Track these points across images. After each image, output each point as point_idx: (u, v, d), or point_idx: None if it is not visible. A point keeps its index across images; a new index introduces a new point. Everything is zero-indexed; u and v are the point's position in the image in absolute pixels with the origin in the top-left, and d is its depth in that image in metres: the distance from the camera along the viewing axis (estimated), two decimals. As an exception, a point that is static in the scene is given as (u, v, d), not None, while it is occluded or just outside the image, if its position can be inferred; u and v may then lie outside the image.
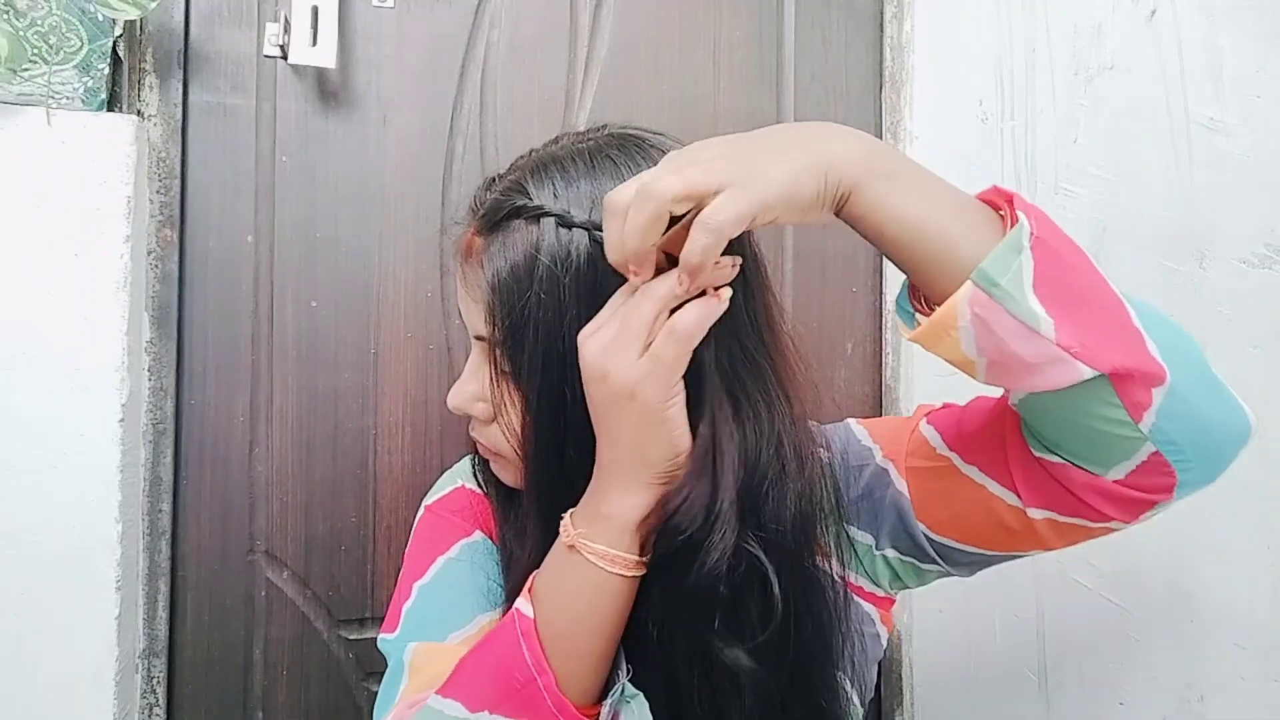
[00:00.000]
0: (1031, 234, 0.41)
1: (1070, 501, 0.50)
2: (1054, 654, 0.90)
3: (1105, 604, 0.83)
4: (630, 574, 0.50)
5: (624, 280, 0.47)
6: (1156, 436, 0.44)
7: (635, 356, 0.46)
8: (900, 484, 0.59)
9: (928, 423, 0.60)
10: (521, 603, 0.51)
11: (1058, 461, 0.49)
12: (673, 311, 0.46)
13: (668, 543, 0.49)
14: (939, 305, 0.44)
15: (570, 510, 0.52)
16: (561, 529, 0.51)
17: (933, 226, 0.44)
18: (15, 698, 0.82)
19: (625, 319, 0.46)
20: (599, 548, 0.49)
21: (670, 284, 0.45)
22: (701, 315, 0.46)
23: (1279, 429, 0.67)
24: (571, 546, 0.50)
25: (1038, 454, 0.50)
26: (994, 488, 0.54)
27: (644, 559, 0.50)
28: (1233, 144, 0.74)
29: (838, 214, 0.45)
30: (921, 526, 0.58)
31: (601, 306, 0.49)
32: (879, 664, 0.66)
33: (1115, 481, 0.48)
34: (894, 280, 1.08)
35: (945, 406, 0.60)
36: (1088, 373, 0.42)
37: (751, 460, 0.50)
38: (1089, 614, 0.85)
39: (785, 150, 0.44)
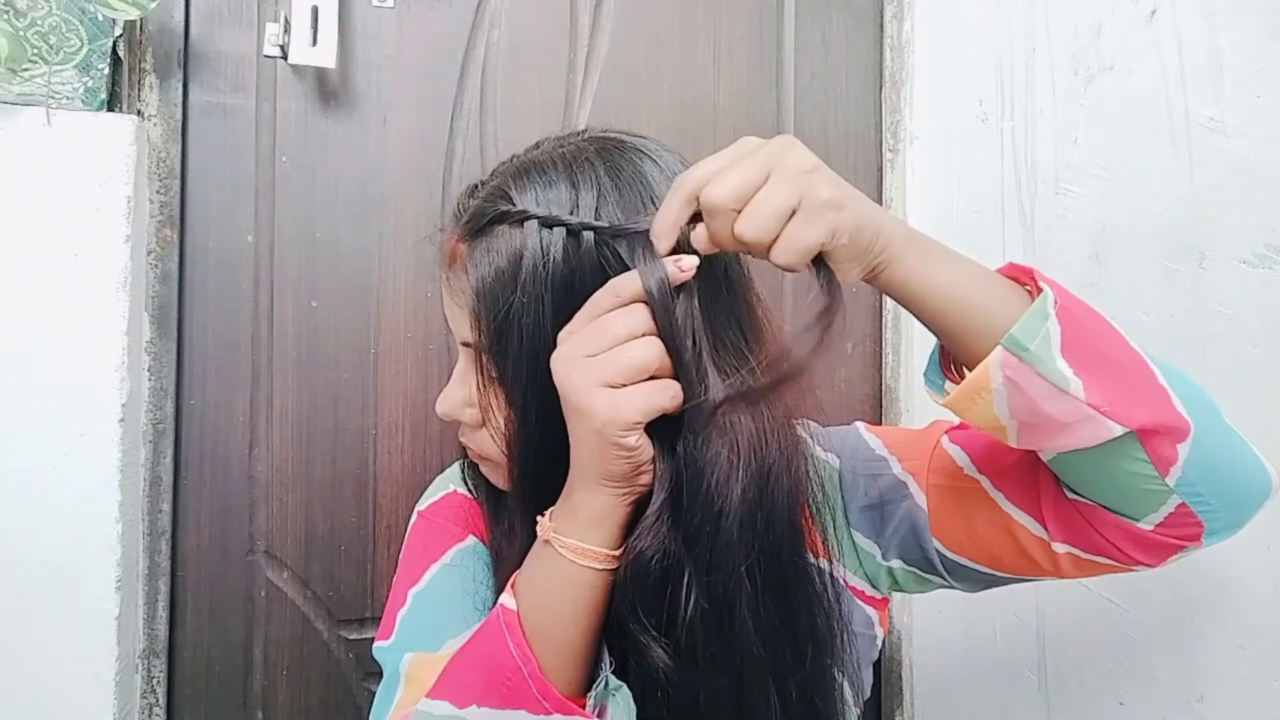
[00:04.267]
0: (1056, 302, 0.44)
1: (1099, 542, 0.51)
2: (1054, 654, 0.90)
3: (1105, 604, 0.83)
4: (602, 567, 0.50)
5: (599, 283, 0.48)
6: (1183, 490, 0.46)
7: (600, 383, 0.46)
8: (920, 499, 0.59)
9: (951, 441, 0.60)
10: (505, 597, 0.52)
11: (1091, 505, 0.50)
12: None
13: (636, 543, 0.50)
14: (970, 366, 0.46)
15: (550, 509, 0.52)
16: (539, 525, 0.52)
17: (967, 295, 0.47)
18: (15, 698, 0.82)
19: (615, 355, 0.46)
20: (571, 542, 0.50)
21: (657, 346, 0.47)
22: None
23: (1279, 429, 0.67)
24: (547, 541, 0.51)
25: (1071, 496, 0.51)
26: (1020, 516, 0.54)
27: (616, 552, 0.51)
28: (1233, 144, 0.74)
29: (873, 281, 0.48)
30: (936, 543, 0.58)
31: (578, 308, 0.49)
32: (877, 665, 0.67)
33: (1146, 530, 0.49)
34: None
35: (966, 425, 0.60)
36: (1117, 430, 0.44)
37: (735, 461, 0.50)
38: (1089, 614, 0.85)
39: (852, 194, 0.46)
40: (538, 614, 0.50)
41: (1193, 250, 0.76)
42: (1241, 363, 0.71)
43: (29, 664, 0.82)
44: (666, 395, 0.48)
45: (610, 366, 0.46)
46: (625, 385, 0.46)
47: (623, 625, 0.51)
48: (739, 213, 0.44)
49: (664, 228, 0.47)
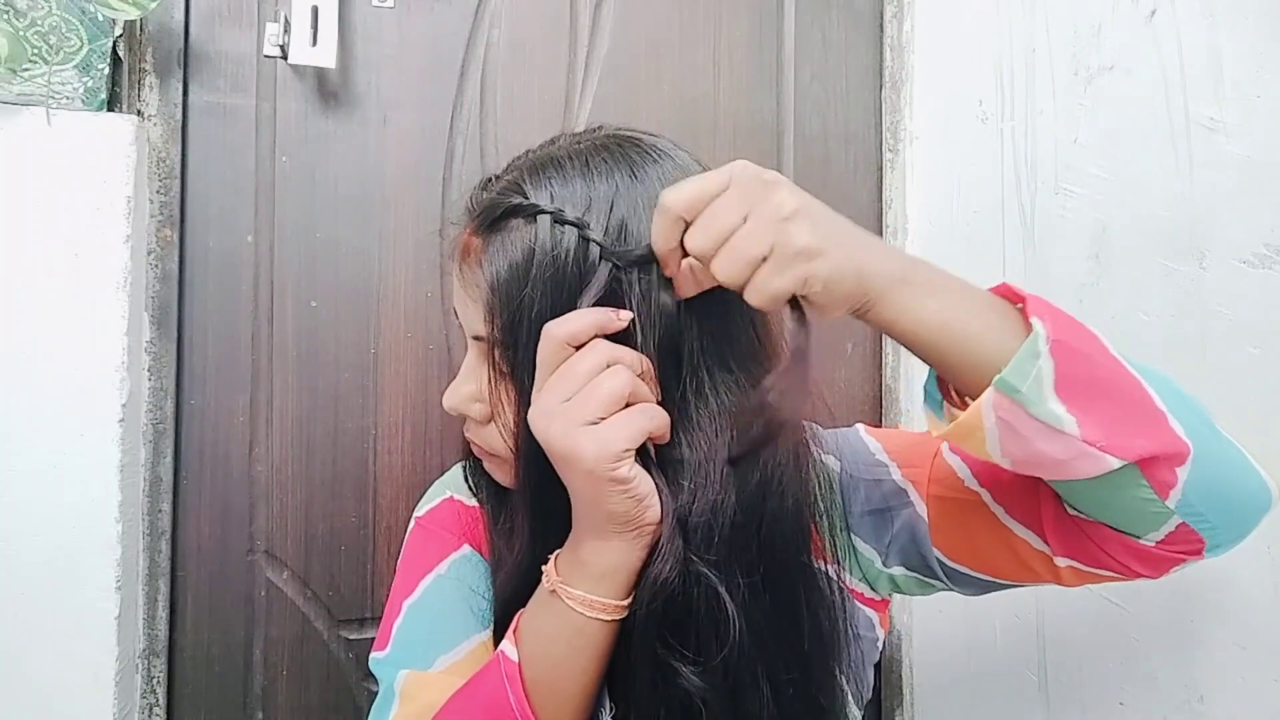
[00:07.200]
0: (1048, 338, 0.42)
1: (1102, 557, 0.50)
2: (1054, 654, 0.89)
3: (1105, 604, 0.83)
4: (609, 618, 0.50)
5: (603, 283, 0.48)
6: (1183, 511, 0.46)
7: (581, 424, 0.46)
8: (920, 507, 0.59)
9: (952, 450, 0.59)
10: (507, 645, 0.52)
11: (1093, 522, 0.50)
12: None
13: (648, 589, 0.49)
14: (967, 394, 0.46)
15: (555, 554, 0.52)
16: (544, 574, 0.52)
17: (958, 329, 0.45)
18: (15, 697, 0.82)
19: (587, 392, 0.46)
20: (578, 593, 0.49)
21: (626, 373, 0.47)
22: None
23: (1278, 430, 0.67)
24: (553, 591, 0.50)
25: (1073, 513, 0.51)
26: (1021, 531, 0.54)
27: (625, 602, 0.50)
28: (1233, 144, 0.74)
29: (861, 318, 0.47)
30: (936, 552, 0.58)
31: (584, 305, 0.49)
32: (877, 665, 0.67)
33: (1149, 546, 0.48)
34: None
35: None
36: (1115, 464, 0.43)
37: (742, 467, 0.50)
38: (1089, 614, 0.85)
39: (836, 240, 0.45)
40: (540, 664, 0.50)
41: (1193, 250, 0.76)
42: (1241, 363, 0.71)
43: (29, 664, 0.82)
44: (647, 418, 0.48)
45: (586, 404, 0.46)
46: (605, 418, 0.46)
47: (647, 656, 0.50)
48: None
49: (662, 255, 0.48)
